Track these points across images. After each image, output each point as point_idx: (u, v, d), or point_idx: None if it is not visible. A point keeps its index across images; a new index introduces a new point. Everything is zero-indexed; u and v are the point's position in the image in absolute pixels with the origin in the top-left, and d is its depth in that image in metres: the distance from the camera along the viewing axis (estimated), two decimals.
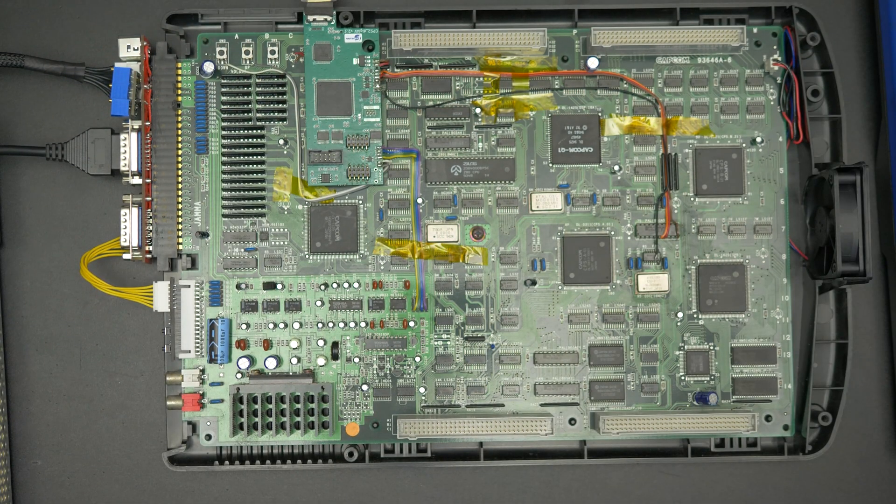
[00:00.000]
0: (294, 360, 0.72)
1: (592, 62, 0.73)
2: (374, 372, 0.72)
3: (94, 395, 0.74)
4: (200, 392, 0.72)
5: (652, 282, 0.73)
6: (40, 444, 0.74)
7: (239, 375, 0.72)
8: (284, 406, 0.71)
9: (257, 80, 0.73)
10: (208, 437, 0.72)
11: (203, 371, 0.72)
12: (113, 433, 0.74)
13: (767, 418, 0.73)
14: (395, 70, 0.73)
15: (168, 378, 0.72)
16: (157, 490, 0.74)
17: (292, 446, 0.73)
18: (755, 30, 0.73)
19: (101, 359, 0.74)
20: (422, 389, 0.72)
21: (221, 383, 0.72)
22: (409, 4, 0.74)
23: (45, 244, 0.75)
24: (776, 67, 0.73)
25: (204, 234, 0.72)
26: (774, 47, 0.74)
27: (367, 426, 0.72)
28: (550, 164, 0.73)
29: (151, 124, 0.72)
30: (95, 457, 0.74)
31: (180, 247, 0.72)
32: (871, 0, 0.76)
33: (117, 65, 0.71)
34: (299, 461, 0.72)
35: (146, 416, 0.74)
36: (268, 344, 0.72)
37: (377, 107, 0.72)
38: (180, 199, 0.72)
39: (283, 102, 0.72)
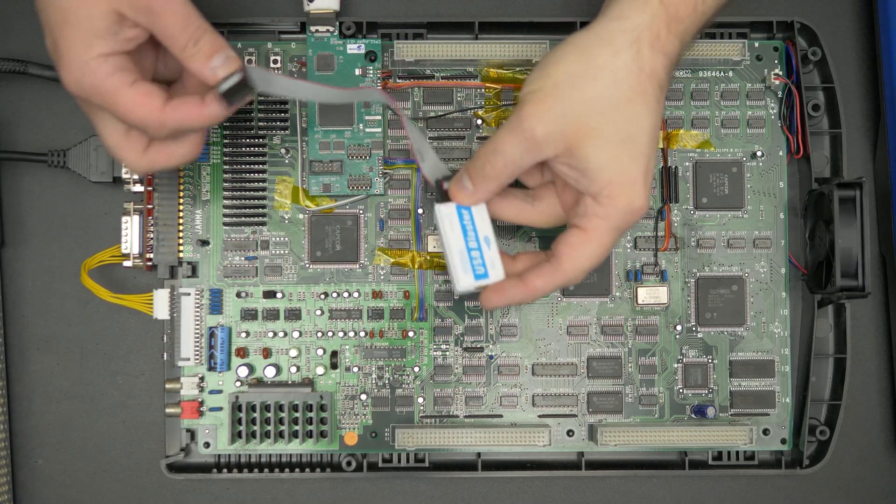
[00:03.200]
0: (293, 369, 0.72)
1: None
2: (373, 381, 0.72)
3: (94, 394, 0.75)
4: (199, 400, 0.72)
5: (651, 294, 0.73)
6: (41, 443, 0.74)
7: (238, 383, 0.72)
8: (283, 415, 0.71)
9: None
10: (207, 444, 0.72)
11: (202, 379, 0.72)
12: (114, 432, 0.75)
13: (765, 432, 0.73)
14: (397, 81, 0.73)
15: (167, 385, 0.72)
16: (158, 489, 0.74)
17: (290, 455, 0.73)
18: (756, 44, 0.74)
19: (102, 358, 0.75)
20: (420, 399, 0.73)
21: (220, 391, 0.72)
22: (412, 15, 0.74)
23: (46, 244, 0.75)
24: (777, 82, 0.73)
25: (205, 242, 0.73)
26: (775, 62, 0.74)
27: (366, 435, 0.72)
28: None
29: None
30: (96, 456, 0.75)
31: (181, 254, 0.72)
32: (871, 16, 0.76)
33: None
34: (297, 470, 0.72)
35: (147, 415, 0.74)
36: (267, 352, 0.72)
37: (379, 117, 0.72)
38: (181, 207, 0.72)
39: (286, 112, 0.73)
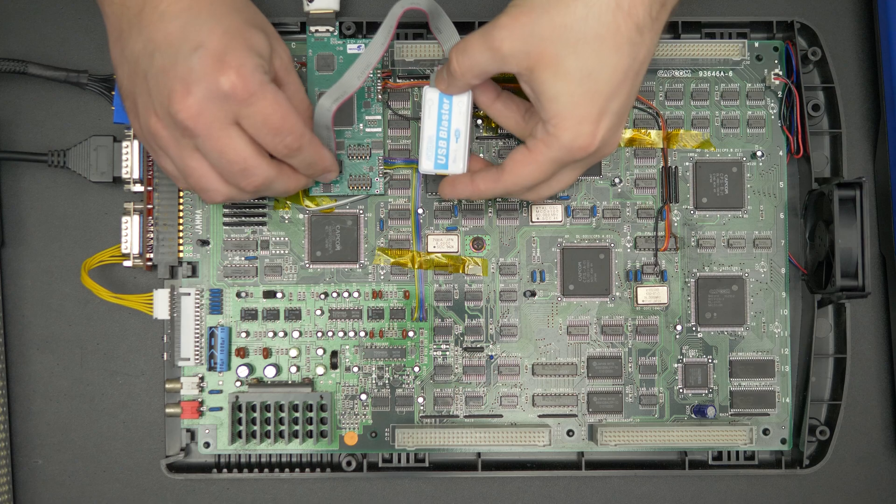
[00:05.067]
0: (293, 369, 0.72)
1: None
2: (373, 381, 0.72)
3: (94, 394, 0.75)
4: (199, 400, 0.72)
5: (651, 294, 0.73)
6: (41, 443, 0.74)
7: (238, 383, 0.72)
8: (283, 415, 0.71)
9: None
10: (207, 444, 0.72)
11: (202, 379, 0.72)
12: (114, 432, 0.75)
13: (765, 432, 0.73)
14: (398, 80, 0.73)
15: (167, 385, 0.72)
16: (158, 489, 0.74)
17: (290, 455, 0.73)
18: (756, 44, 0.74)
19: (102, 358, 0.75)
20: (420, 399, 0.73)
21: (220, 391, 0.72)
22: (412, 16, 0.73)
23: (46, 244, 0.75)
24: (777, 82, 0.73)
25: (205, 242, 0.73)
26: (775, 61, 0.74)
27: (366, 435, 0.72)
28: None
29: None
30: (96, 456, 0.75)
31: (181, 254, 0.72)
32: (871, 16, 0.76)
33: None
34: (297, 470, 0.72)
35: (147, 415, 0.74)
36: (267, 352, 0.72)
37: (379, 117, 0.72)
38: (181, 207, 0.72)
39: None
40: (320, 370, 0.72)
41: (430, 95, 0.66)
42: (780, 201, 0.74)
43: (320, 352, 0.72)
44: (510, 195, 0.67)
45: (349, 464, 0.72)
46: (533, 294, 0.73)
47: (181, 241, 0.72)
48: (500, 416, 0.73)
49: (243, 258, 0.73)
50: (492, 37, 0.60)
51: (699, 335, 0.73)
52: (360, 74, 0.65)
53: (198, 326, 0.72)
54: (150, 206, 0.72)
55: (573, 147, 0.60)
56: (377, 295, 0.73)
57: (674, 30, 0.74)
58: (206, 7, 0.59)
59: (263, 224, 0.73)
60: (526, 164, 0.63)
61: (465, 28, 0.74)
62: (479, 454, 0.73)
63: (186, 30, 0.59)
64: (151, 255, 0.72)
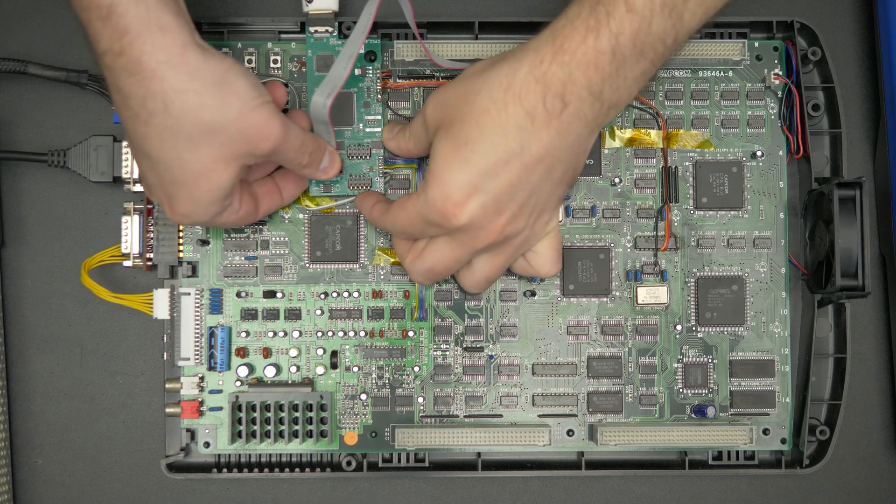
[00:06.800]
0: (293, 369, 0.72)
1: None
2: (373, 381, 0.73)
3: (94, 394, 0.75)
4: (199, 399, 0.72)
5: (651, 294, 0.73)
6: (41, 443, 0.74)
7: (238, 383, 0.72)
8: (283, 414, 0.71)
9: None
10: (207, 444, 0.72)
11: (202, 379, 0.72)
12: (114, 432, 0.75)
13: (765, 432, 0.73)
14: (397, 80, 0.73)
15: (167, 385, 0.72)
16: (158, 489, 0.74)
17: (290, 455, 0.73)
18: (756, 44, 0.74)
19: (102, 358, 0.75)
20: (420, 399, 0.73)
21: (220, 391, 0.72)
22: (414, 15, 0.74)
23: (46, 244, 0.75)
24: (777, 81, 0.73)
25: (204, 242, 0.73)
26: (775, 61, 0.74)
27: (366, 435, 0.72)
28: None
29: None
30: (96, 456, 0.75)
31: (181, 254, 0.72)
32: (871, 16, 0.76)
33: None
34: (297, 469, 0.72)
35: (147, 415, 0.74)
36: (267, 352, 0.72)
37: (379, 117, 0.72)
38: None
39: (286, 111, 0.72)
40: (320, 370, 0.72)
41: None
42: (780, 201, 0.74)
43: (320, 352, 0.72)
44: (386, 230, 0.69)
45: (349, 464, 0.72)
46: (533, 294, 0.73)
47: (181, 240, 0.72)
48: (500, 415, 0.73)
49: (243, 258, 0.73)
50: (424, 105, 0.66)
51: (699, 335, 0.73)
52: (345, 65, 0.66)
53: (198, 326, 0.72)
54: (149, 206, 0.72)
55: (435, 207, 0.61)
56: (377, 295, 0.73)
57: None
58: (185, 133, 0.58)
59: (263, 224, 0.73)
60: (403, 207, 0.65)
61: (465, 28, 0.74)
62: (479, 454, 0.73)
63: (160, 156, 0.60)
64: (151, 255, 0.72)
